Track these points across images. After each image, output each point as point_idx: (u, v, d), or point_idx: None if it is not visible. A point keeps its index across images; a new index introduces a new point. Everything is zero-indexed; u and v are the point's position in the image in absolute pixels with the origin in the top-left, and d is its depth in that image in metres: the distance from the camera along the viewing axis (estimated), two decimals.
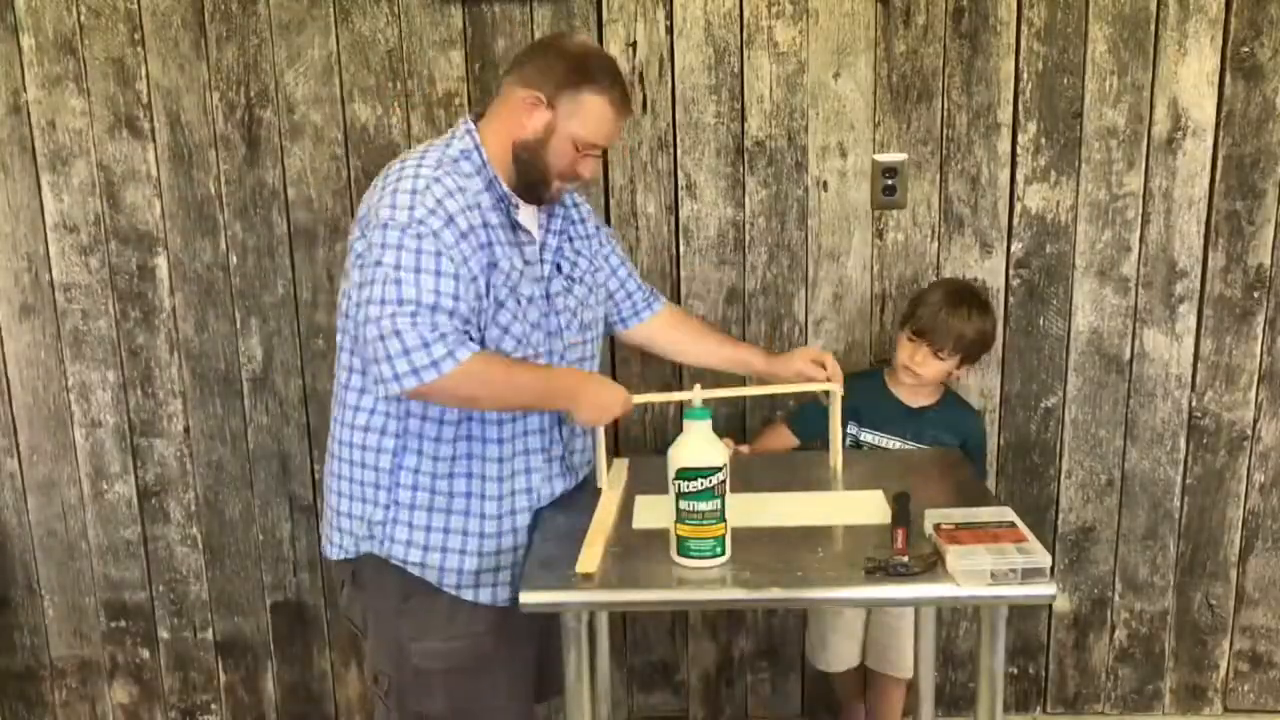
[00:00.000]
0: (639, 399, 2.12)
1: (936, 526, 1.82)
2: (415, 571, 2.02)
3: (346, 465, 2.03)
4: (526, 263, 1.99)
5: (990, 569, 1.69)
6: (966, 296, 2.45)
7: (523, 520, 2.05)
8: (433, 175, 1.88)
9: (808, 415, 2.49)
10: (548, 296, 2.03)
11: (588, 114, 1.93)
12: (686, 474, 1.75)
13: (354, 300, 1.90)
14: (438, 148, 1.96)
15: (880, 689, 2.67)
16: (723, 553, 1.78)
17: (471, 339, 1.87)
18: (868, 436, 2.45)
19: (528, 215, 2.02)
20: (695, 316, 2.55)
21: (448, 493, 2.00)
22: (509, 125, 1.96)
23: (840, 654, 2.65)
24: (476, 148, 1.96)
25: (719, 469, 1.75)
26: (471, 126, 1.99)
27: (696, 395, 1.83)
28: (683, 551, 1.78)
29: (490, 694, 2.04)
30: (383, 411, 1.98)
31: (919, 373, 2.42)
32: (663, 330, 2.35)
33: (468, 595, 2.02)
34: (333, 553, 2.09)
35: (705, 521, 1.76)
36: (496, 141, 1.97)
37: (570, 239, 2.13)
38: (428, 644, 2.02)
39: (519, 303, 1.96)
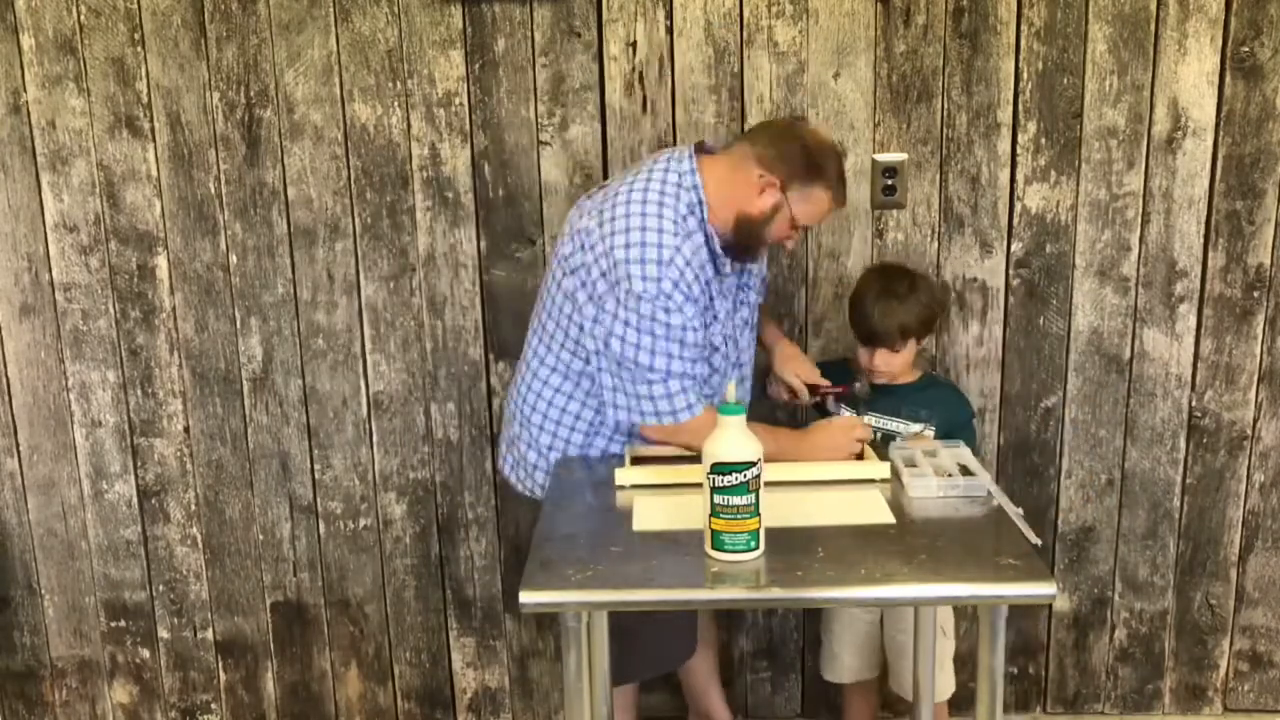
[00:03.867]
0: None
1: None
2: None
3: (533, 419, 2.34)
4: (726, 297, 2.24)
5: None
6: (892, 285, 2.40)
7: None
8: (675, 246, 2.09)
9: (825, 371, 2.45)
10: (733, 316, 2.28)
11: (814, 205, 2.15)
12: (721, 468, 1.76)
13: (595, 343, 2.17)
14: (669, 194, 2.13)
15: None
16: (756, 546, 1.80)
17: (703, 396, 2.19)
18: (850, 415, 2.41)
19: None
20: (769, 320, 2.55)
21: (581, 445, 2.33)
22: (738, 194, 2.15)
23: (848, 666, 2.63)
24: (701, 203, 2.14)
25: (753, 464, 1.76)
26: (698, 179, 2.15)
27: (730, 392, 1.85)
28: (717, 545, 1.80)
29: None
30: (569, 392, 2.28)
31: (885, 370, 2.42)
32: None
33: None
34: (524, 487, 2.43)
35: (739, 516, 1.78)
36: (720, 203, 2.15)
37: None
38: None
39: (726, 343, 2.25)
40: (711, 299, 2.18)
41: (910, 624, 2.47)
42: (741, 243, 2.18)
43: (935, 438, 2.34)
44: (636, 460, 2.20)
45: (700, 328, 2.14)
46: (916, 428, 2.39)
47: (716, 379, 2.27)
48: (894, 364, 2.41)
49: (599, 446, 2.30)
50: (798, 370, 2.43)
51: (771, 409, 2.57)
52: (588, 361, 2.22)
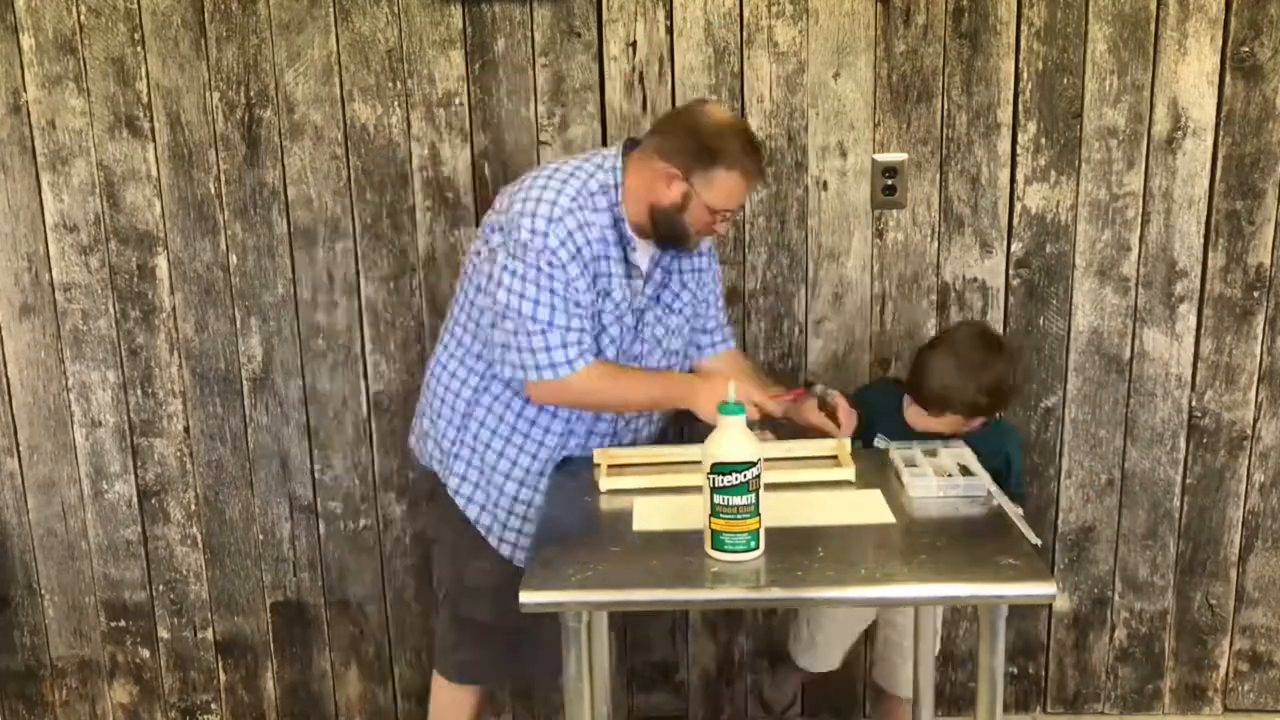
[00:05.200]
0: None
1: None
2: (471, 513, 2.31)
3: (436, 388, 2.32)
4: (631, 294, 2.21)
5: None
6: (971, 356, 2.25)
7: None
8: (568, 207, 2.11)
9: (866, 398, 2.36)
10: (638, 326, 2.24)
11: (720, 188, 2.11)
12: (721, 469, 1.76)
13: (488, 299, 2.16)
14: (583, 174, 2.16)
15: (886, 707, 2.65)
16: (756, 547, 1.80)
17: (589, 350, 2.15)
18: (878, 442, 2.34)
19: (642, 250, 2.22)
20: (750, 363, 2.52)
21: (500, 455, 2.27)
22: (647, 187, 2.15)
23: (827, 656, 2.62)
24: (616, 187, 2.16)
25: (753, 464, 1.76)
26: (619, 164, 2.17)
27: (731, 392, 1.85)
28: (717, 545, 1.80)
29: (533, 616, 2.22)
30: (468, 367, 2.26)
31: (919, 425, 2.31)
32: (715, 367, 2.42)
33: (504, 551, 2.31)
34: (424, 460, 2.39)
35: (739, 516, 1.78)
36: (635, 194, 2.16)
37: (680, 272, 2.30)
38: (479, 563, 2.31)
39: (621, 330, 2.21)
40: (609, 276, 2.17)
41: (904, 622, 2.47)
42: (664, 233, 2.18)
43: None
44: (613, 467, 2.18)
45: (586, 290, 2.13)
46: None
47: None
48: (929, 424, 2.29)
49: (476, 422, 2.26)
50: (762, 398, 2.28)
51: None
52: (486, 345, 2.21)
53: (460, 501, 2.31)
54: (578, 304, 2.12)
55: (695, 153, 2.09)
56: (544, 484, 2.24)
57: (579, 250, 2.11)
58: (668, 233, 2.18)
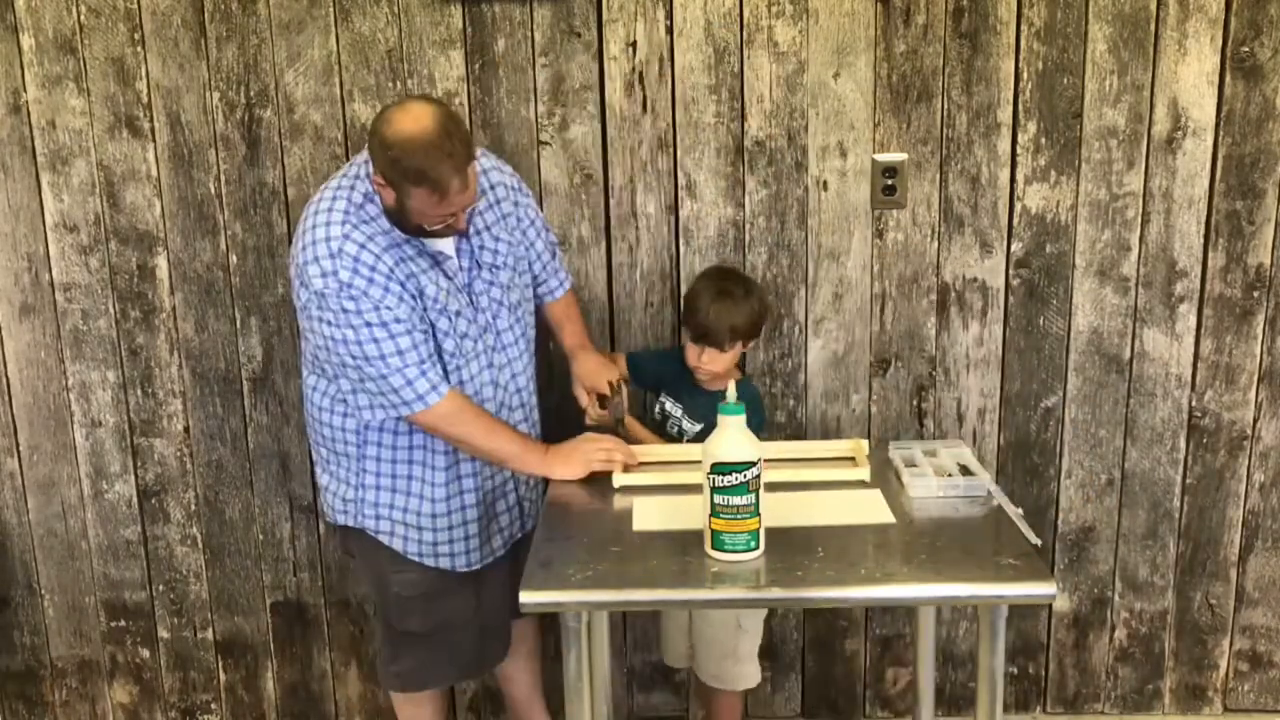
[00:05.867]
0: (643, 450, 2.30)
1: None
2: (385, 541, 2.33)
3: (323, 449, 2.34)
4: (448, 278, 2.20)
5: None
6: (729, 287, 2.43)
7: (470, 499, 2.31)
8: (343, 234, 2.09)
9: (640, 361, 2.59)
10: (471, 299, 2.23)
11: (416, 202, 2.05)
12: (721, 469, 1.76)
13: (325, 354, 2.17)
14: (344, 191, 2.14)
15: (710, 701, 2.66)
16: (756, 546, 1.80)
17: (439, 370, 2.15)
18: (671, 407, 2.50)
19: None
20: (578, 311, 2.56)
21: (406, 476, 2.28)
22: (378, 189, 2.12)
23: (678, 651, 2.66)
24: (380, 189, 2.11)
25: (753, 464, 1.76)
26: (371, 170, 2.11)
27: (731, 391, 1.85)
28: (717, 545, 1.80)
29: (462, 612, 2.38)
30: (342, 413, 2.26)
31: (710, 369, 2.43)
32: (559, 309, 2.52)
33: (429, 563, 2.33)
34: (334, 519, 2.41)
35: (739, 516, 1.78)
36: None
37: (487, 227, 2.28)
38: (403, 575, 2.35)
39: (450, 320, 2.18)
40: (417, 275, 2.13)
41: (715, 616, 2.48)
42: (406, 230, 2.12)
43: None
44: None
45: (399, 303, 2.09)
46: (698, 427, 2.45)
47: (460, 360, 2.21)
48: (718, 365, 2.42)
49: (371, 455, 2.27)
50: (589, 383, 2.41)
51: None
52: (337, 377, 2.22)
53: (384, 539, 2.32)
54: (398, 320, 2.09)
55: (385, 167, 2.04)
56: (459, 488, 2.29)
57: (373, 269, 2.08)
58: (405, 228, 2.12)
